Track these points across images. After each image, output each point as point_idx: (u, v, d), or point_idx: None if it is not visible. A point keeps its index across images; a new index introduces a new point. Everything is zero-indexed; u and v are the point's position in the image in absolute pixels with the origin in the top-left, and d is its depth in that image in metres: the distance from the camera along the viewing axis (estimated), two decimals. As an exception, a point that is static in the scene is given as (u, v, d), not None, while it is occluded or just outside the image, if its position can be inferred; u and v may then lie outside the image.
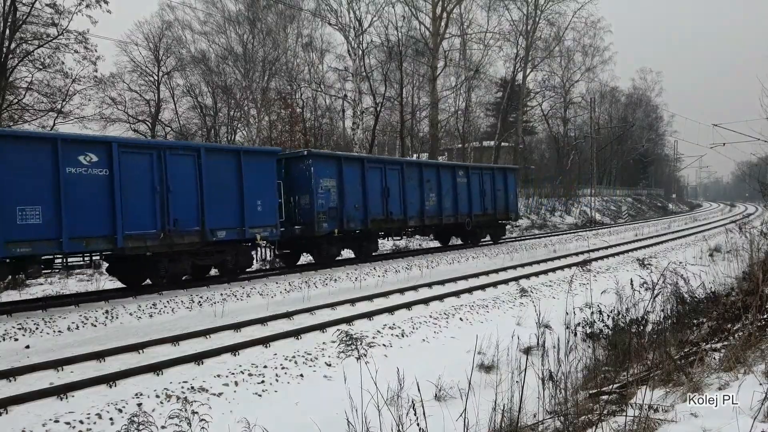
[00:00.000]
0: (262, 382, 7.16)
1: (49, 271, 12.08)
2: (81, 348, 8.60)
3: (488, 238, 24.95)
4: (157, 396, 6.51)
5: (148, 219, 12.12)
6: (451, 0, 37.86)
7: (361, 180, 17.43)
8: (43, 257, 10.93)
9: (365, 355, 4.12)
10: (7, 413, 5.98)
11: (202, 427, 3.73)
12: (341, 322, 9.95)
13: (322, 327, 9.56)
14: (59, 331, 9.67)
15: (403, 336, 9.44)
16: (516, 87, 46.81)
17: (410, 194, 19.16)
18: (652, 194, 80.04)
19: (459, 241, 24.44)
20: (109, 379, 6.89)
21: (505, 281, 14.50)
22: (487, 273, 15.96)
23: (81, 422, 5.79)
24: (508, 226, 28.54)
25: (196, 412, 3.78)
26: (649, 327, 7.00)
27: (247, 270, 15.54)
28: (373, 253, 18.98)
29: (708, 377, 4.85)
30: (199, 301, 11.93)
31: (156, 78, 39.11)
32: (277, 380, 7.26)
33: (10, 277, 12.88)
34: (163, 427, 4.88)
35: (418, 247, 24.78)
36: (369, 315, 10.46)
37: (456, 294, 12.63)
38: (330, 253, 17.13)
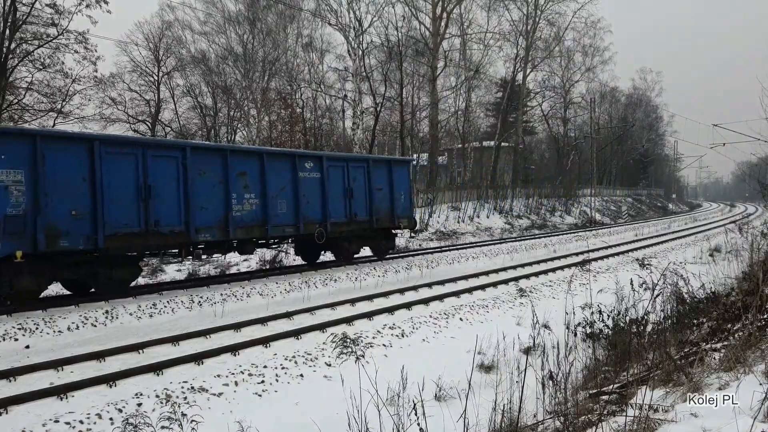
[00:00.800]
0: (262, 382, 7.16)
1: None
2: (81, 348, 8.60)
3: (371, 252, 19.16)
4: (157, 396, 6.51)
5: None
6: (451, 0, 37.90)
7: (89, 172, 11.21)
8: None
9: (362, 356, 4.12)
10: (7, 413, 5.98)
11: (192, 428, 3.73)
12: (341, 322, 9.95)
13: (322, 327, 9.56)
14: (59, 331, 9.67)
15: (403, 336, 9.44)
16: (516, 87, 46.85)
17: (202, 194, 12.97)
18: (652, 194, 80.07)
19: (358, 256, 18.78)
20: (109, 379, 6.89)
21: (505, 281, 14.50)
22: (486, 273, 15.96)
23: (81, 422, 5.79)
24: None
25: (185, 414, 3.77)
26: (649, 327, 7.00)
27: None
28: (132, 284, 12.86)
29: (708, 377, 4.85)
30: (199, 302, 11.94)
31: (156, 78, 39.20)
32: (277, 380, 7.26)
33: None
34: (162, 427, 4.88)
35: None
36: (369, 315, 10.46)
37: (456, 294, 12.64)
38: (23, 288, 10.77)
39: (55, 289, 14.28)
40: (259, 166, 14.45)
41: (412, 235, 23.18)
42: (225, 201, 13.56)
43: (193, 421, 3.72)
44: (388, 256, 19.18)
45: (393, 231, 19.00)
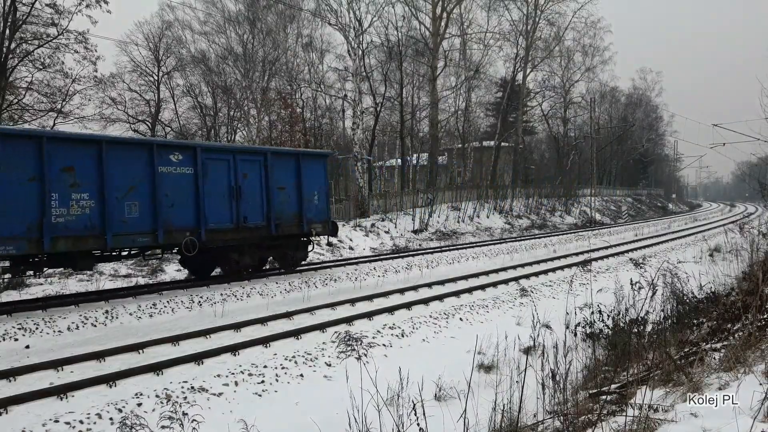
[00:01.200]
0: (262, 382, 7.16)
1: None
2: (81, 348, 8.61)
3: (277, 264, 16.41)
4: (157, 396, 6.51)
5: None
6: (451, 0, 37.89)
7: None
8: None
9: (365, 355, 4.12)
10: (7, 413, 5.98)
11: (194, 429, 3.72)
12: (341, 322, 9.95)
13: (322, 327, 9.56)
14: (59, 331, 9.67)
15: (403, 336, 9.44)
16: (516, 87, 46.84)
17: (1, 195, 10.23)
18: (652, 194, 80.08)
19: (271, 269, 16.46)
20: (109, 379, 6.89)
21: (505, 281, 14.50)
22: (487, 273, 15.96)
23: (81, 422, 5.80)
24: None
25: (186, 414, 3.77)
26: (649, 327, 7.00)
27: None
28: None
29: (708, 377, 4.85)
30: (199, 301, 11.94)
31: (156, 78, 39.22)
32: (277, 380, 7.26)
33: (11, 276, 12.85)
34: (162, 427, 4.87)
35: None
36: (369, 315, 10.46)
37: (456, 294, 12.64)
38: None
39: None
40: (95, 158, 11.39)
41: (329, 243, 19.27)
42: (39, 203, 10.61)
43: (194, 420, 3.72)
44: (302, 268, 16.39)
45: (305, 239, 16.17)
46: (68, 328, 9.82)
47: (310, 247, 16.61)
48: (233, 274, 14.46)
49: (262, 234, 14.57)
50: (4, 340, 9.09)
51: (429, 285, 13.82)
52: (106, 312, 10.71)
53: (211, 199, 13.31)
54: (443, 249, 23.22)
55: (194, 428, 3.72)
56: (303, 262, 16.70)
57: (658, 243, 24.86)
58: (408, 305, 11.32)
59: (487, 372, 6.96)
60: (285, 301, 12.52)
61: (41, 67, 23.86)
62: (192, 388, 6.80)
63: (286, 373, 7.49)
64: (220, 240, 13.68)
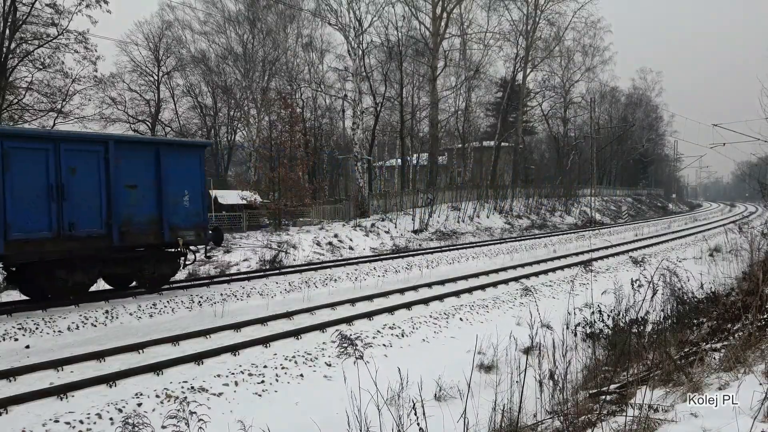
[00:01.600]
0: (262, 382, 7.16)
1: None
2: (81, 348, 8.61)
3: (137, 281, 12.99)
4: (157, 396, 6.51)
5: None
6: (451, 0, 37.90)
7: None
8: None
9: (362, 357, 4.12)
10: (7, 413, 5.98)
11: (200, 428, 3.73)
12: (341, 322, 9.95)
13: (322, 327, 9.56)
14: (59, 331, 9.67)
15: (403, 336, 9.44)
16: (516, 87, 46.86)
17: None
18: (652, 194, 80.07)
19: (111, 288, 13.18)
20: (109, 379, 6.89)
21: (505, 281, 14.50)
22: (487, 273, 15.96)
23: (81, 422, 5.80)
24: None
25: (194, 413, 3.77)
26: (649, 327, 7.01)
27: None
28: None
29: (708, 377, 4.85)
30: (199, 301, 11.94)
31: (156, 78, 39.25)
32: (277, 380, 7.26)
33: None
34: (163, 427, 4.87)
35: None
36: (369, 315, 10.46)
37: (456, 294, 12.64)
38: None
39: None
40: None
41: (208, 255, 15.43)
42: None
43: (201, 420, 3.72)
44: (173, 286, 13.35)
45: (176, 250, 13.08)
46: (68, 328, 9.82)
47: (186, 259, 13.49)
48: (63, 295, 11.36)
49: (101, 245, 11.53)
50: (4, 340, 9.09)
51: (429, 285, 13.82)
52: (106, 312, 10.71)
53: (16, 199, 10.32)
54: (443, 249, 23.21)
55: (201, 428, 3.72)
56: (173, 280, 13.64)
57: (658, 243, 24.86)
58: (408, 305, 11.32)
59: (487, 372, 6.96)
60: (285, 301, 12.52)
61: (41, 67, 23.90)
62: (192, 388, 6.80)
63: (286, 373, 7.49)
64: (32, 253, 10.66)
